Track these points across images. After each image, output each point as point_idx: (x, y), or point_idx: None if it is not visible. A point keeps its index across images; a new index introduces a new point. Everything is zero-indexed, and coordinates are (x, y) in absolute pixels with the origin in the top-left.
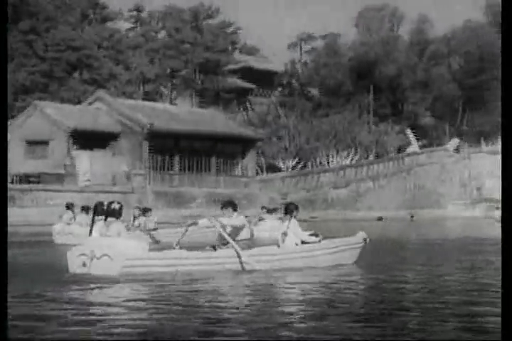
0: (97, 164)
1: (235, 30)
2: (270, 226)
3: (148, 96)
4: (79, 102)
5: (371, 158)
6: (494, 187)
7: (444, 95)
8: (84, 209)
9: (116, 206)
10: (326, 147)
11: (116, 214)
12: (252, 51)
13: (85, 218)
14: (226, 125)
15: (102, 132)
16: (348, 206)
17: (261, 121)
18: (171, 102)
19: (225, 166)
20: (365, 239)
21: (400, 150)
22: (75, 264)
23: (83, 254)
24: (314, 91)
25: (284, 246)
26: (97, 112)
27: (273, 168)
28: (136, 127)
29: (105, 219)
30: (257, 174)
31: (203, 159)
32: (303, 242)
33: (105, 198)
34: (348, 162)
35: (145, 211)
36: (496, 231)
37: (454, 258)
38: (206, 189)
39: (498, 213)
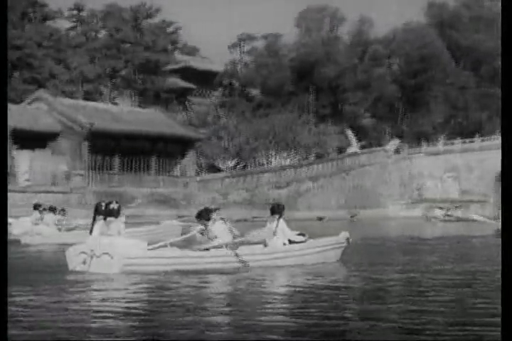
0: (37, 164)
1: (175, 29)
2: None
3: (88, 96)
4: (19, 102)
5: (311, 158)
6: (434, 187)
7: (384, 96)
8: (52, 209)
9: (115, 206)
10: (266, 147)
11: (115, 213)
12: (192, 51)
13: (52, 218)
14: (166, 125)
15: (42, 132)
16: (288, 206)
17: (201, 121)
18: (112, 102)
19: (165, 166)
20: (347, 239)
21: (340, 150)
22: (74, 262)
23: (83, 252)
24: (255, 92)
25: (272, 245)
26: (37, 112)
27: (213, 168)
28: (76, 127)
29: (104, 219)
30: (197, 174)
31: (142, 159)
32: (290, 241)
33: (45, 198)
34: (288, 162)
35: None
36: (438, 230)
37: (390, 258)
38: (146, 189)
39: (441, 213)
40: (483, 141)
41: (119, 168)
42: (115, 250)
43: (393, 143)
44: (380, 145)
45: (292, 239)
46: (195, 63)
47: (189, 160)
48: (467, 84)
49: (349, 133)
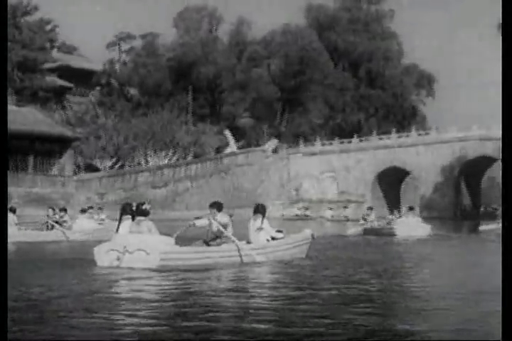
0: None
1: (53, 27)
2: (81, 224)
3: None
4: None
5: (189, 158)
6: (312, 187)
7: (262, 96)
8: (11, 210)
9: (147, 207)
10: (144, 147)
11: (147, 213)
12: (70, 50)
13: (12, 218)
14: (44, 124)
15: None
16: (166, 206)
17: (79, 120)
18: None
19: (42, 165)
20: (312, 235)
21: (219, 150)
22: (104, 259)
23: (114, 249)
24: (133, 91)
25: (257, 241)
26: None
27: (91, 168)
28: None
29: (132, 218)
30: (75, 173)
31: (19, 158)
32: (272, 238)
33: None
34: (166, 162)
35: (60, 210)
36: (324, 230)
37: None
38: (23, 188)
39: (329, 213)
40: (361, 141)
41: None
42: (150, 246)
43: (271, 143)
44: (258, 145)
45: (274, 235)
46: (74, 62)
47: (67, 159)
48: (345, 86)
49: (227, 133)
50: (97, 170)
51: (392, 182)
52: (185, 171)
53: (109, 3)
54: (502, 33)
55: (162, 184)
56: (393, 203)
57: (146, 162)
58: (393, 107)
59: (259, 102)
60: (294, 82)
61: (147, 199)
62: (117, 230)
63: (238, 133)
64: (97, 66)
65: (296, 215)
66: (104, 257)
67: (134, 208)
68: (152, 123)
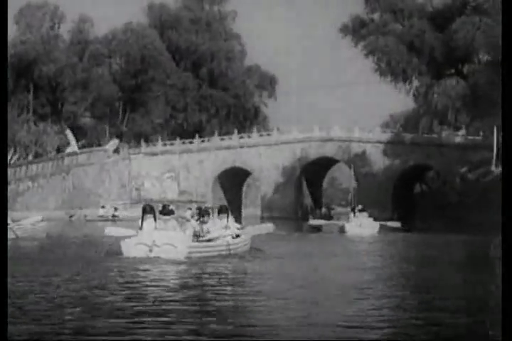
0: None
1: None
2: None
3: None
4: None
5: (30, 157)
6: (153, 187)
7: (103, 96)
8: None
9: (172, 207)
10: None
11: (172, 213)
12: None
13: None
14: None
15: None
16: (8, 206)
17: None
18: None
19: None
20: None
21: (60, 150)
22: (132, 251)
23: (141, 243)
24: None
25: (225, 238)
26: None
27: None
28: None
29: (154, 217)
30: None
31: None
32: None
33: None
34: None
35: None
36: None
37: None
38: None
39: (189, 213)
40: (202, 141)
41: None
42: (178, 241)
43: (113, 143)
44: (99, 145)
45: (237, 233)
46: None
47: None
48: (187, 86)
49: (68, 132)
50: None
51: (234, 183)
52: (26, 171)
53: None
54: (502, 33)
55: None
56: (234, 203)
57: None
58: (235, 108)
59: (101, 101)
60: (135, 82)
61: None
62: (141, 227)
63: (79, 133)
64: None
65: (101, 216)
66: (131, 249)
67: (156, 208)
68: None
